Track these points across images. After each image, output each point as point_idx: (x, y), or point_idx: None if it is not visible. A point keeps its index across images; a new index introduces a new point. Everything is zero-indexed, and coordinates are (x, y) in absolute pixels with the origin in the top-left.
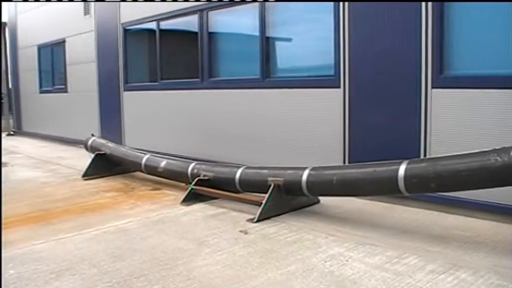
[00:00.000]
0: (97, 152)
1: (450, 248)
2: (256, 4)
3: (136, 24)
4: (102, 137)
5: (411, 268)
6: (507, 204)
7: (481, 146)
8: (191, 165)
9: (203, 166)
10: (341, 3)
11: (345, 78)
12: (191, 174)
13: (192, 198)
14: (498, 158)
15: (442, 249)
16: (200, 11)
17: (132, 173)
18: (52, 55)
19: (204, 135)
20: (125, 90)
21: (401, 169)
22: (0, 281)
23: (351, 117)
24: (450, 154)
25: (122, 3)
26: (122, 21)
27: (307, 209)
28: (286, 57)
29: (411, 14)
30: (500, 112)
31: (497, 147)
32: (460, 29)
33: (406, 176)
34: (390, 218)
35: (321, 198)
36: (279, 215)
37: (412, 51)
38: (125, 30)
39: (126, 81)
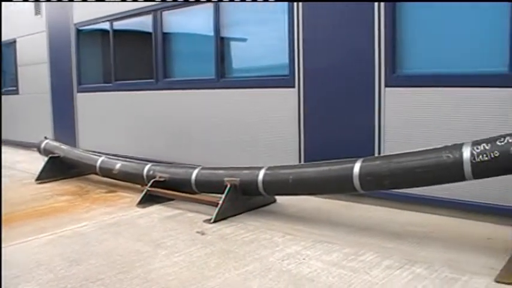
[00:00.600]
0: (50, 155)
1: (405, 243)
2: (211, 4)
3: (89, 25)
4: (56, 139)
5: (368, 264)
6: (460, 200)
7: (434, 143)
8: (147, 167)
9: (159, 167)
10: (295, 3)
11: (299, 77)
12: (147, 176)
13: (148, 200)
14: (450, 155)
15: (397, 245)
16: (154, 11)
17: (86, 176)
18: (2, 56)
19: (159, 137)
20: (78, 91)
21: (356, 167)
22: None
23: (305, 116)
24: (404, 152)
25: (74, 3)
26: (74, 22)
27: (263, 208)
28: (241, 57)
29: (365, 14)
30: (451, 109)
31: (449, 144)
32: (412, 28)
33: (361, 174)
34: (346, 215)
35: (277, 197)
36: (236, 215)
37: (365, 51)
38: (78, 31)
39: (79, 83)
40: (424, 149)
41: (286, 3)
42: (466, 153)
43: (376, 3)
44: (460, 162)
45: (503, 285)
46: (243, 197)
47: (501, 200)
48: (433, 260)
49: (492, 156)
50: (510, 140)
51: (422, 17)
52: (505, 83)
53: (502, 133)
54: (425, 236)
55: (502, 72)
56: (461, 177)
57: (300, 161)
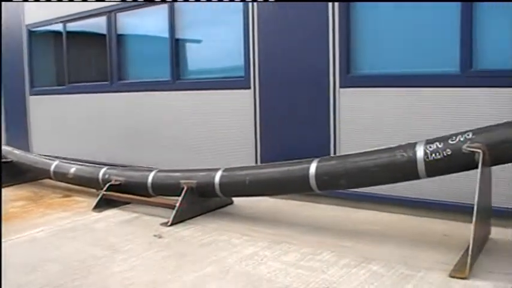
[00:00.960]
0: (3, 160)
1: (362, 242)
2: (166, 5)
3: (41, 26)
4: (8, 144)
5: (325, 263)
6: (415, 198)
7: (389, 143)
8: (102, 171)
9: (114, 171)
10: (250, 3)
11: (255, 79)
12: (102, 179)
13: (104, 204)
14: (404, 154)
15: (354, 243)
16: (108, 13)
17: (41, 181)
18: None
19: (115, 140)
20: (31, 94)
21: (312, 167)
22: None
23: (261, 117)
24: (359, 151)
25: (26, 4)
26: (26, 23)
27: (221, 210)
28: (197, 59)
29: (319, 14)
30: (405, 109)
31: (402, 143)
32: (366, 29)
33: (317, 174)
34: (303, 215)
35: (234, 198)
36: (193, 217)
37: (320, 52)
38: (30, 32)
39: (32, 85)
40: (379, 148)
41: (241, 3)
42: (420, 152)
43: (330, 4)
44: (413, 160)
45: (457, 279)
46: (200, 199)
47: (456, 197)
48: (390, 258)
49: (445, 154)
50: (462, 139)
51: (376, 18)
52: (456, 83)
53: (454, 132)
54: (381, 234)
55: (453, 73)
56: (415, 176)
57: (256, 162)
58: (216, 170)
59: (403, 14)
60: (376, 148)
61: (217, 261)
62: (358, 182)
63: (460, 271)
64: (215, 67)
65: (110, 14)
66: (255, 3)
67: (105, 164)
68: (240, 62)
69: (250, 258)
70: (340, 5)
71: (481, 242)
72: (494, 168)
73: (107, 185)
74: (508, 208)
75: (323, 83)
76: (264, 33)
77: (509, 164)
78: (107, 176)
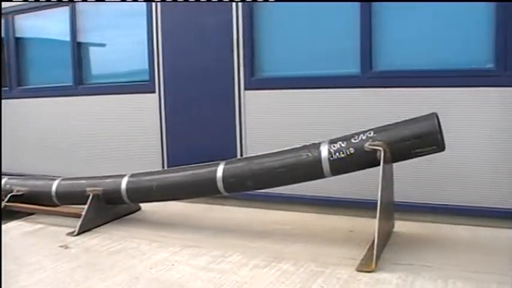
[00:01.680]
0: None
1: (271, 242)
2: (67, 8)
3: None
4: None
5: (236, 265)
6: (322, 196)
7: (295, 143)
8: (2, 181)
9: (15, 181)
10: (153, 4)
11: (159, 83)
12: (3, 190)
13: (7, 216)
14: (309, 154)
15: (263, 244)
16: (5, 15)
17: None
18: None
19: (16, 148)
20: None
21: (219, 170)
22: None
23: (167, 121)
24: (265, 152)
25: None
26: None
27: (129, 216)
28: (101, 63)
29: (223, 15)
30: (310, 110)
31: (307, 144)
32: (270, 31)
33: (224, 177)
34: (212, 218)
35: (142, 204)
36: (100, 225)
37: (225, 54)
38: None
39: None
40: (285, 149)
41: (144, 6)
42: (324, 151)
43: (234, 4)
44: (318, 160)
45: (364, 273)
46: (106, 207)
47: (360, 194)
48: (299, 256)
49: (348, 153)
50: (364, 137)
51: (280, 20)
52: (358, 84)
53: (357, 131)
54: (290, 234)
55: (354, 74)
56: (320, 175)
57: (163, 167)
58: (122, 176)
59: (307, 15)
60: (282, 149)
61: (127, 269)
62: (265, 183)
63: (366, 265)
64: (120, 71)
65: (7, 16)
66: (158, 5)
67: (5, 174)
68: (145, 65)
69: (161, 264)
70: (244, 6)
71: (386, 236)
72: (395, 164)
73: (8, 196)
74: (410, 202)
75: (228, 85)
76: (168, 35)
77: (410, 160)
78: (8, 186)
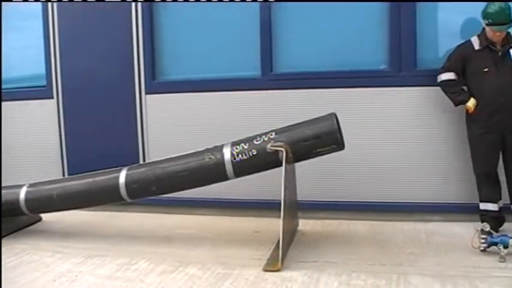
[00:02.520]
0: None
1: (177, 246)
2: None
3: None
4: None
5: (142, 272)
6: (225, 198)
7: (199, 146)
8: None
9: None
10: (49, 5)
11: (57, 88)
12: None
13: None
14: (212, 157)
15: (169, 249)
16: None
17: None
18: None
19: None
20: None
21: (122, 176)
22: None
23: (67, 128)
24: (169, 157)
25: None
26: None
27: (29, 228)
28: None
29: (123, 17)
30: (212, 112)
31: (209, 147)
32: (171, 33)
33: (127, 183)
34: (116, 226)
35: (44, 214)
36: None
37: (125, 58)
38: None
39: None
40: (188, 152)
41: (40, 8)
42: (227, 153)
43: (133, 4)
44: (221, 162)
45: (271, 272)
46: (4, 219)
47: (264, 195)
48: (205, 259)
49: (250, 154)
50: (266, 139)
51: (180, 21)
52: (259, 86)
53: (259, 132)
54: (196, 237)
55: (255, 76)
56: (224, 177)
57: (64, 175)
58: (21, 186)
59: (208, 17)
60: (185, 153)
61: (29, 283)
62: (169, 187)
63: (272, 264)
64: (16, 76)
65: None
66: (55, 6)
67: None
68: (42, 70)
69: (64, 275)
70: (144, 6)
71: (290, 235)
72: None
73: None
74: (312, 200)
75: (129, 90)
76: (65, 38)
77: (312, 160)
78: None
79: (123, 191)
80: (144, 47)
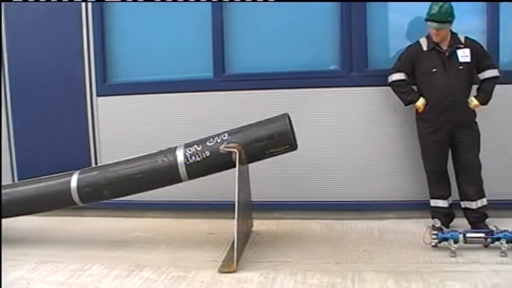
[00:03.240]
0: None
1: (132, 250)
2: None
3: None
4: None
5: (96, 277)
6: (180, 201)
7: (152, 149)
8: None
9: None
10: None
11: (6, 92)
12: None
13: None
14: (165, 159)
15: (124, 253)
16: None
17: None
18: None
19: None
20: None
21: (74, 180)
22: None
23: (16, 132)
24: (122, 159)
25: None
26: None
27: None
28: None
29: (72, 18)
30: (166, 114)
31: (163, 149)
32: (122, 34)
33: (79, 187)
34: (69, 231)
35: None
36: None
37: (74, 59)
38: None
39: None
40: (141, 155)
41: None
42: (180, 156)
43: (83, 4)
44: (175, 165)
45: (226, 274)
46: None
47: (218, 196)
48: (160, 263)
49: (204, 156)
50: (219, 140)
51: (132, 22)
52: (211, 87)
53: (212, 134)
54: (150, 241)
55: (207, 78)
56: (178, 179)
57: (13, 181)
58: None
59: (160, 17)
60: (138, 155)
61: None
62: (122, 190)
63: (228, 266)
64: None
65: None
66: (2, 5)
67: None
68: None
69: (16, 283)
70: (94, 6)
71: (245, 236)
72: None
73: None
74: (266, 201)
75: (79, 92)
76: (14, 39)
77: (265, 160)
78: None
79: (75, 195)
80: (95, 48)
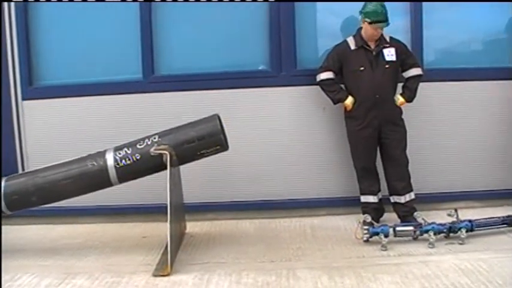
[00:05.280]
0: None
1: (63, 258)
2: None
3: None
4: None
5: (27, 287)
6: (111, 205)
7: (82, 152)
8: None
9: None
10: None
11: None
12: None
13: None
14: (95, 163)
15: (55, 261)
16: None
17: None
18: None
19: None
20: None
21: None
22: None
23: None
24: (50, 165)
25: None
26: None
27: None
28: None
29: None
30: (94, 117)
31: (92, 153)
32: (48, 35)
33: (6, 194)
34: None
35: None
36: None
37: None
38: None
39: None
40: (70, 159)
41: None
42: (110, 159)
43: (5, 4)
44: (105, 168)
45: (161, 277)
46: None
47: (150, 199)
48: (93, 269)
49: (134, 159)
50: (149, 142)
51: (58, 22)
52: (141, 89)
53: (143, 136)
54: (82, 247)
55: (137, 79)
56: (108, 183)
57: None
58: None
59: (89, 19)
60: (66, 160)
61: None
62: (52, 196)
63: (162, 269)
64: None
65: None
66: None
67: None
68: None
69: None
70: (17, 6)
71: (179, 238)
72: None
73: None
74: (199, 202)
75: (4, 96)
76: None
77: (197, 161)
78: None
79: (2, 203)
80: (19, 50)
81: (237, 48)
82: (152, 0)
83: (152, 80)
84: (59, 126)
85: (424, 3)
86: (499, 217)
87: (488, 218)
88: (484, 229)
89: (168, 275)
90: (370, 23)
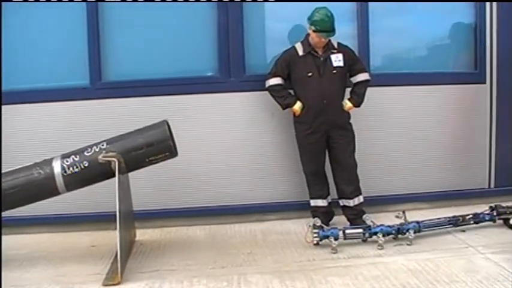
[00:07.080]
0: None
1: (9, 269)
2: None
3: None
4: None
5: None
6: (58, 214)
7: (25, 161)
8: None
9: None
10: None
11: None
12: None
13: None
14: (41, 171)
15: None
16: None
17: None
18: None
19: None
20: None
21: None
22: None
23: None
24: None
25: None
26: None
27: None
28: None
29: None
30: (37, 125)
31: (38, 161)
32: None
33: None
34: None
35: None
36: None
37: None
38: None
39: None
40: (15, 168)
41: None
42: (57, 167)
43: None
44: (51, 177)
45: (110, 287)
46: None
47: (98, 207)
48: (41, 280)
49: (82, 166)
50: (97, 149)
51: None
52: (88, 96)
53: (90, 143)
54: (29, 258)
55: (83, 86)
56: (56, 192)
57: None
58: None
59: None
60: (11, 169)
61: None
62: None
63: (112, 278)
64: None
65: None
66: None
67: None
68: None
69: None
70: None
71: (129, 246)
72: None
73: None
74: (148, 210)
75: None
76: None
77: (146, 168)
78: None
79: None
80: None
81: (186, 53)
82: (100, 0)
83: (99, 86)
84: (4, 134)
85: (370, 11)
86: (445, 218)
87: (435, 219)
88: (431, 230)
89: (118, 283)
90: (315, 31)
